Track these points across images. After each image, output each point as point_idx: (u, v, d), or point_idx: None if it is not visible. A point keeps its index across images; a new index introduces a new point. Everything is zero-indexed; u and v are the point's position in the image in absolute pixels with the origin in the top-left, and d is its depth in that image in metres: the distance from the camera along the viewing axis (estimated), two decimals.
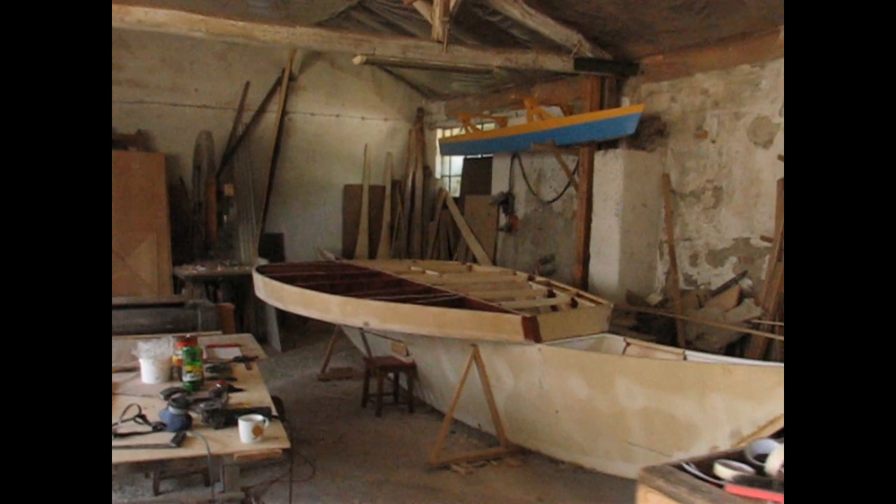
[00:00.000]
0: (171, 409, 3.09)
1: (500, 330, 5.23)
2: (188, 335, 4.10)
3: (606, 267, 7.79)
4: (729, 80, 7.15)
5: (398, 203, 11.84)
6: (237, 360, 4.43)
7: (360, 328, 6.18)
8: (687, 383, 4.34)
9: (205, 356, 4.00)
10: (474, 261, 10.17)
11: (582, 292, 6.40)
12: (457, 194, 11.52)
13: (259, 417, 3.02)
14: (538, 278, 7.05)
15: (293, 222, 11.24)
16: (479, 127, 10.26)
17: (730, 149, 7.16)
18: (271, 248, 10.72)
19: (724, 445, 4.21)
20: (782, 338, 6.20)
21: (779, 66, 6.66)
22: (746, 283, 6.98)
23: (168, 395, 3.54)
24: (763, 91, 6.85)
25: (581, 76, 8.11)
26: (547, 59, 7.47)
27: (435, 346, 6.12)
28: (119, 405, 3.51)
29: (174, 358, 3.98)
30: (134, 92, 10.03)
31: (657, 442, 4.62)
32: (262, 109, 10.82)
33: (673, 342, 6.85)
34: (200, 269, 8.86)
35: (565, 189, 9.04)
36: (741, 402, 4.10)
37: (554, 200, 9.26)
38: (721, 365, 4.28)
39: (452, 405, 5.64)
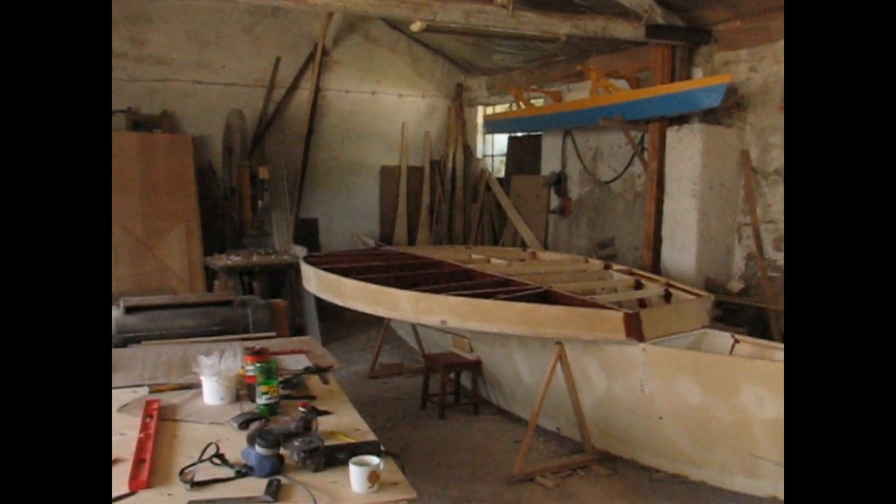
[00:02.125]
0: (259, 449, 2.46)
1: (597, 328, 4.61)
2: (257, 346, 3.48)
3: (681, 252, 7.13)
4: None
5: (438, 185, 11.17)
6: (309, 371, 3.80)
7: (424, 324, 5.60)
8: None
9: None
10: (523, 245, 9.54)
11: (673, 282, 5.77)
12: (501, 175, 10.85)
13: (374, 460, 2.40)
14: (617, 266, 6.40)
15: (328, 207, 10.59)
16: (532, 103, 9.53)
17: None
18: (306, 234, 10.09)
19: None
20: None
21: None
22: None
23: (243, 423, 2.92)
24: None
25: (648, 46, 7.43)
26: (617, 26, 6.79)
27: (507, 343, 5.52)
28: (185, 437, 2.89)
29: (241, 373, 3.36)
30: (157, 69, 9.38)
31: None
32: (293, 86, 10.15)
33: (764, 335, 6.20)
34: (235, 259, 8.25)
35: (626, 168, 8.37)
36: None
37: (613, 180, 8.60)
38: None
39: (536, 411, 5.02)
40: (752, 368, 4.09)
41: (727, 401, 4.18)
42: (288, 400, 3.30)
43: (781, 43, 6.74)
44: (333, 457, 2.52)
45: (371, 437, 2.86)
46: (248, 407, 3.21)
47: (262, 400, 3.10)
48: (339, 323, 9.37)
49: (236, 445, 2.73)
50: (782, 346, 4.72)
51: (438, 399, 6.23)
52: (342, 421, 3.09)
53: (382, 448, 2.65)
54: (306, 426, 2.75)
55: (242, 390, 3.37)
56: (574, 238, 9.29)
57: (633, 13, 6.90)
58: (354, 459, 2.39)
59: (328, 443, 2.65)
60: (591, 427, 5.16)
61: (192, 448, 2.73)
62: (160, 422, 3.01)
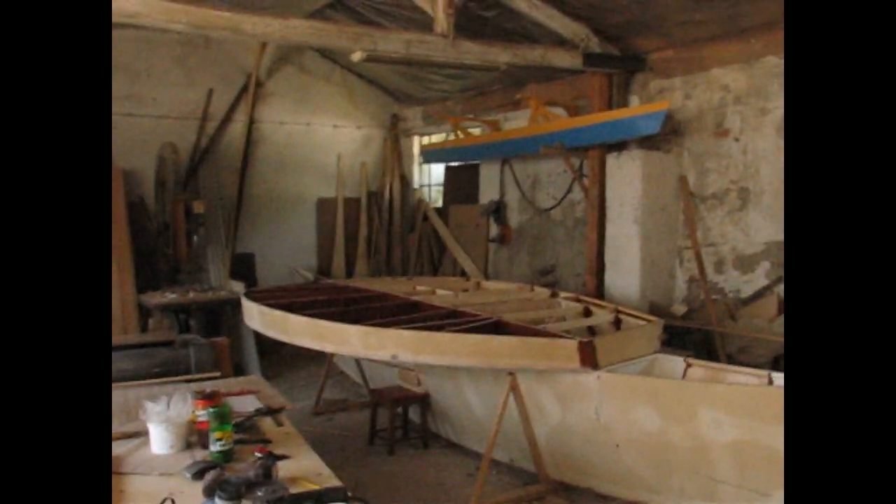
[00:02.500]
0: (220, 502, 2.31)
1: (552, 357, 4.56)
2: (208, 389, 3.30)
3: (625, 277, 7.18)
4: (752, 74, 6.63)
5: (375, 216, 11.07)
6: (261, 412, 3.63)
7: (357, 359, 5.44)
8: None
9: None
10: (463, 274, 9.49)
11: (622, 308, 5.77)
12: (439, 205, 10.81)
13: None
14: (564, 294, 6.39)
15: (264, 240, 10.35)
16: (469, 132, 9.54)
17: (756, 147, 6.63)
18: (243, 269, 9.83)
19: None
20: None
21: None
22: (782, 289, 6.44)
23: (198, 473, 2.75)
24: None
25: (585, 74, 7.53)
26: (555, 55, 6.86)
27: (457, 375, 5.42)
28: (133, 492, 2.70)
29: (192, 418, 3.18)
30: None
31: (751, 479, 4.01)
32: (227, 118, 9.94)
33: (710, 357, 6.26)
34: (170, 297, 7.97)
35: (565, 195, 8.42)
36: None
37: (553, 208, 8.64)
38: None
39: (491, 443, 4.92)
40: (708, 392, 4.09)
41: (685, 426, 4.17)
42: (242, 445, 3.13)
43: (714, 71, 6.92)
44: None
45: (335, 482, 2.73)
46: (199, 455, 3.03)
47: (216, 447, 2.93)
48: (278, 358, 9.12)
49: (192, 499, 2.56)
50: (735, 368, 4.76)
51: (387, 434, 6.08)
52: (302, 465, 2.94)
53: (349, 494, 2.53)
54: (266, 473, 2.60)
55: (192, 437, 3.19)
56: (515, 266, 9.29)
57: (569, 42, 6.99)
58: None
59: (292, 490, 2.50)
60: (546, 457, 5.09)
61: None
62: None
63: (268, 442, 3.19)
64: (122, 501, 2.62)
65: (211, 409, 2.97)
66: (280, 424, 3.49)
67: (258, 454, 2.86)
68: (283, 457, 2.97)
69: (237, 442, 3.12)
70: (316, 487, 2.62)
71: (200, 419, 3.10)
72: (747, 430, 3.92)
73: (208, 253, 9.20)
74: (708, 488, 4.20)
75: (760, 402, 3.89)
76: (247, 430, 3.36)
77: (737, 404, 3.95)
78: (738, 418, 3.94)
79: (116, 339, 5.46)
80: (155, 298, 7.94)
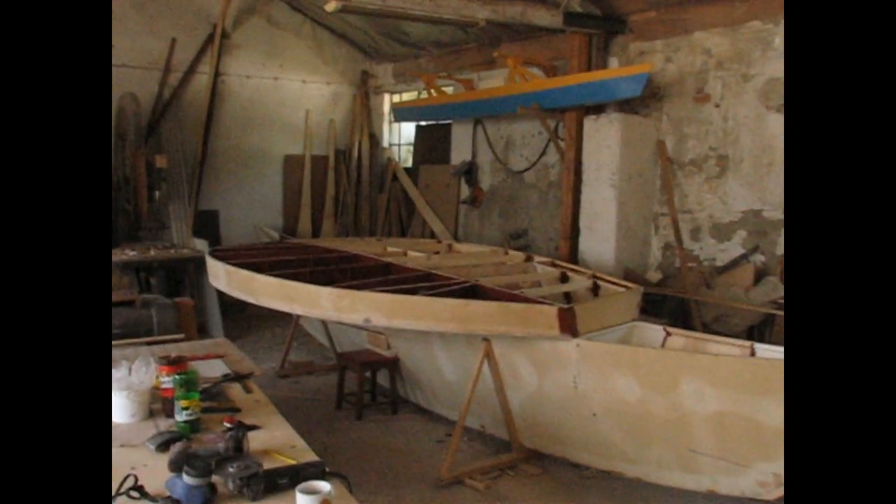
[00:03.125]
0: (187, 479, 2.13)
1: (530, 323, 4.43)
2: (173, 354, 3.10)
3: (600, 243, 7.06)
4: (735, 39, 6.49)
5: (343, 175, 10.79)
6: (229, 378, 3.45)
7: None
8: (782, 385, 3.64)
9: None
10: (433, 236, 9.31)
11: (599, 274, 5.65)
12: (409, 164, 10.56)
13: (324, 486, 2.10)
14: (539, 258, 6.24)
15: (229, 198, 10.04)
16: (444, 90, 9.27)
17: (737, 114, 6.52)
18: (206, 226, 9.53)
19: None
20: None
21: None
22: (759, 258, 6.37)
23: (162, 444, 2.56)
24: (777, 50, 6.21)
25: (563, 34, 7.32)
26: (535, 13, 6.63)
27: (428, 339, 5.27)
28: None
29: (156, 384, 2.98)
30: None
31: (732, 451, 3.94)
32: (191, 70, 9.54)
33: (686, 325, 6.19)
34: (130, 254, 7.68)
35: (540, 157, 8.25)
36: None
37: (526, 170, 8.47)
38: None
39: (464, 411, 4.81)
40: (692, 363, 3.98)
41: (665, 396, 4.07)
42: (209, 413, 2.95)
43: (696, 34, 6.76)
44: (274, 483, 2.21)
45: (311, 455, 2.56)
46: (163, 424, 2.84)
47: (182, 416, 2.73)
48: (242, 319, 8.91)
49: (156, 473, 2.38)
50: (715, 338, 4.67)
51: (355, 399, 5.94)
52: (274, 436, 2.77)
53: (327, 469, 2.36)
54: (237, 447, 2.42)
55: (156, 404, 2.99)
56: (486, 229, 9.13)
57: (550, 0, 6.77)
58: (301, 487, 2.09)
59: (266, 465, 2.33)
60: (519, 425, 5.00)
61: None
62: None
63: (237, 411, 3.01)
64: None
65: (177, 376, 2.78)
66: (249, 391, 3.31)
67: (227, 424, 2.68)
68: (253, 427, 2.80)
69: (204, 410, 2.93)
70: (291, 462, 2.45)
71: (165, 386, 2.90)
72: (730, 402, 3.84)
73: (170, 209, 8.88)
74: (687, 459, 4.13)
75: (745, 373, 3.80)
76: (214, 397, 3.17)
77: (721, 375, 3.85)
78: (722, 389, 3.85)
79: None
80: (115, 255, 7.64)
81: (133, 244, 8.10)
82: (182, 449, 2.40)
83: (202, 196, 9.63)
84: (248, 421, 2.87)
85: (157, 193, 8.30)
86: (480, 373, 4.77)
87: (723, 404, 3.87)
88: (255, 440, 2.66)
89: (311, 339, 8.02)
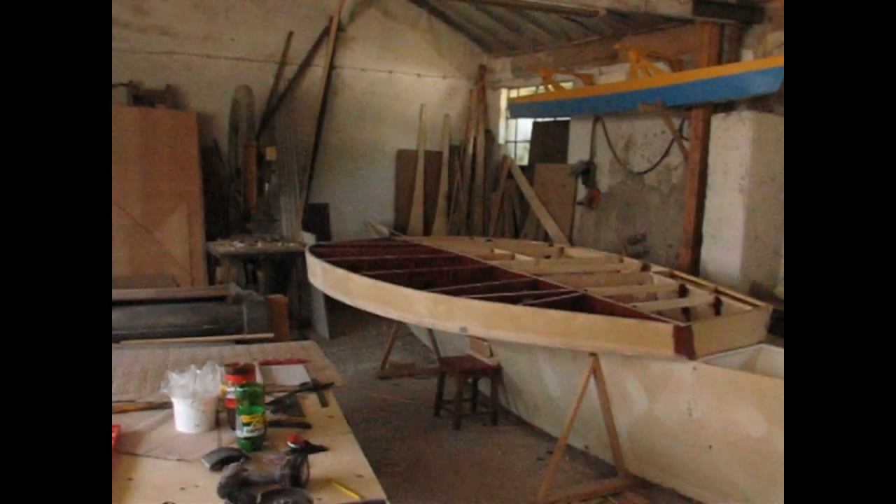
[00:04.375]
0: None
1: (642, 342, 4.01)
2: (241, 363, 2.88)
3: (725, 253, 6.48)
4: None
5: (457, 171, 10.53)
6: (306, 388, 3.21)
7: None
8: None
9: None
10: (546, 238, 8.91)
11: (722, 288, 5.12)
12: (524, 162, 10.19)
13: None
14: (656, 267, 5.76)
15: (340, 191, 9.96)
16: (562, 85, 8.84)
17: None
18: (316, 220, 9.49)
19: None
20: None
21: None
22: None
23: (217, 463, 2.33)
24: None
25: (690, 25, 6.78)
26: (661, 2, 6.13)
27: (532, 350, 4.92)
28: (143, 480, 2.30)
29: (223, 390, 2.77)
30: (162, 41, 8.77)
31: None
32: (306, 63, 9.51)
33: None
34: (238, 246, 7.68)
35: (662, 158, 7.71)
36: None
37: (647, 171, 7.94)
38: None
39: (566, 430, 4.43)
40: None
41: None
42: (277, 428, 2.71)
43: None
44: None
45: (377, 490, 2.25)
46: (227, 437, 2.62)
47: (243, 432, 2.50)
48: (348, 314, 8.77)
49: (206, 495, 2.15)
50: None
51: (454, 407, 5.65)
52: (341, 461, 2.49)
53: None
54: (294, 476, 2.16)
55: (223, 412, 2.78)
56: (602, 232, 8.65)
57: None
58: None
59: (322, 499, 2.05)
60: (626, 449, 4.58)
61: (148, 498, 2.15)
62: (116, 456, 2.43)
63: (307, 427, 2.76)
64: (126, 491, 2.22)
65: (240, 388, 2.55)
66: (325, 404, 3.06)
67: (291, 444, 2.43)
68: (320, 448, 2.54)
69: (273, 424, 2.70)
70: (352, 496, 2.16)
71: (230, 396, 2.68)
72: None
73: (280, 202, 8.87)
74: None
75: None
76: (286, 408, 2.94)
77: None
78: None
79: (166, 291, 5.14)
80: (223, 247, 7.67)
81: (242, 236, 8.12)
82: (234, 472, 2.16)
83: (313, 189, 9.59)
84: (318, 440, 2.61)
85: (266, 186, 8.28)
86: (586, 390, 4.38)
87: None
88: (319, 465, 2.40)
89: (415, 340, 7.81)
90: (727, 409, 3.86)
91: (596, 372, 4.37)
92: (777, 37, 6.58)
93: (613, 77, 8.20)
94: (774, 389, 3.67)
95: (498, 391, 5.68)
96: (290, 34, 9.35)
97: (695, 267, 6.75)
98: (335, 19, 9.43)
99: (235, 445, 2.51)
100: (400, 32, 10.13)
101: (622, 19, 7.60)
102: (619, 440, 4.54)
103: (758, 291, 6.21)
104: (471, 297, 4.39)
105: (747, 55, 6.73)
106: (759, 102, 6.43)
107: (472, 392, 5.96)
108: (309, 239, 8.01)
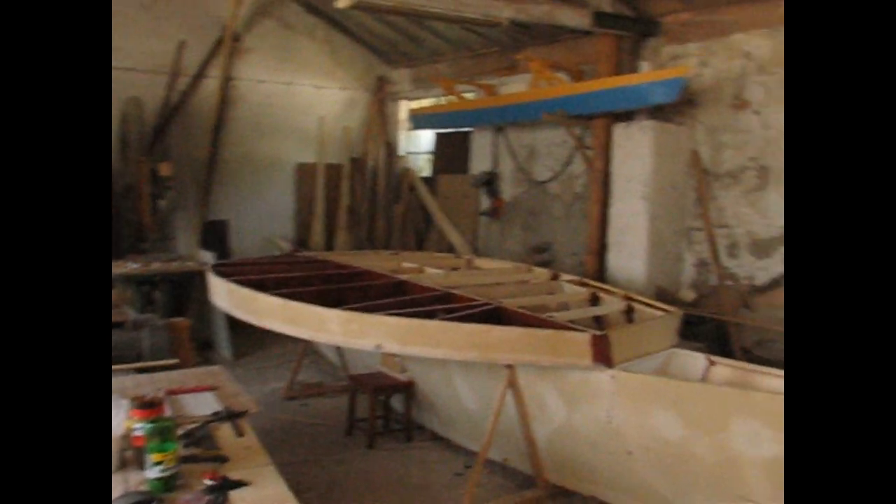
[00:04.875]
0: None
1: (560, 352, 3.98)
2: (148, 396, 2.66)
3: (629, 259, 6.60)
4: (779, 41, 6.02)
5: (358, 184, 10.38)
6: (219, 417, 3.01)
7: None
8: None
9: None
10: (450, 250, 8.88)
11: (633, 295, 5.18)
12: (427, 174, 10.13)
13: None
14: (566, 276, 5.78)
15: (239, 207, 9.63)
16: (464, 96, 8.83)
17: (779, 121, 6.05)
18: (215, 238, 9.14)
19: None
20: None
21: None
22: None
23: None
24: None
25: (590, 37, 6.90)
26: (563, 13, 6.21)
27: (445, 363, 4.83)
28: None
29: (127, 428, 2.55)
30: None
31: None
32: (200, 74, 9.16)
33: (724, 349, 5.72)
34: (132, 267, 7.29)
35: (565, 167, 7.81)
36: None
37: (550, 181, 8.02)
38: None
39: (486, 444, 4.36)
40: (745, 401, 3.52)
41: (713, 437, 3.61)
42: (191, 463, 2.52)
43: (735, 37, 6.31)
44: None
45: None
46: (135, 478, 2.41)
47: (153, 472, 2.30)
48: (251, 333, 8.46)
49: None
50: (764, 369, 4.20)
51: (367, 425, 5.50)
52: (264, 495, 2.33)
53: None
54: None
55: (129, 451, 2.57)
56: (506, 242, 8.69)
57: (578, 0, 6.35)
58: None
59: None
60: (546, 460, 4.54)
61: None
62: None
63: (223, 460, 2.58)
64: None
65: (149, 425, 2.35)
66: (241, 434, 2.88)
67: (207, 481, 2.26)
68: (239, 483, 2.37)
69: (186, 459, 2.51)
70: None
71: (137, 433, 2.47)
72: None
73: (176, 220, 8.50)
74: None
75: None
76: (198, 441, 2.74)
77: (777, 416, 3.38)
78: (779, 432, 3.38)
79: None
80: (116, 268, 7.26)
81: (136, 256, 7.72)
82: None
83: (211, 206, 9.25)
84: (236, 474, 2.44)
85: (160, 203, 7.91)
86: (503, 402, 4.33)
87: (782, 448, 3.40)
88: (240, 502, 2.23)
89: (322, 359, 7.61)
90: (645, 414, 3.88)
91: (513, 384, 4.32)
92: (672, 49, 6.78)
93: (514, 87, 8.25)
94: (690, 393, 3.71)
95: (411, 407, 5.57)
96: (182, 43, 8.99)
97: (600, 274, 6.85)
98: (229, 29, 9.13)
99: (145, 487, 2.31)
100: (297, 43, 9.92)
101: (523, 30, 7.66)
102: (538, 451, 4.50)
103: (663, 295, 6.34)
104: (384, 313, 4.27)
105: (644, 67, 6.90)
106: (658, 112, 6.59)
107: (385, 409, 5.83)
108: (208, 257, 7.69)
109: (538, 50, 7.88)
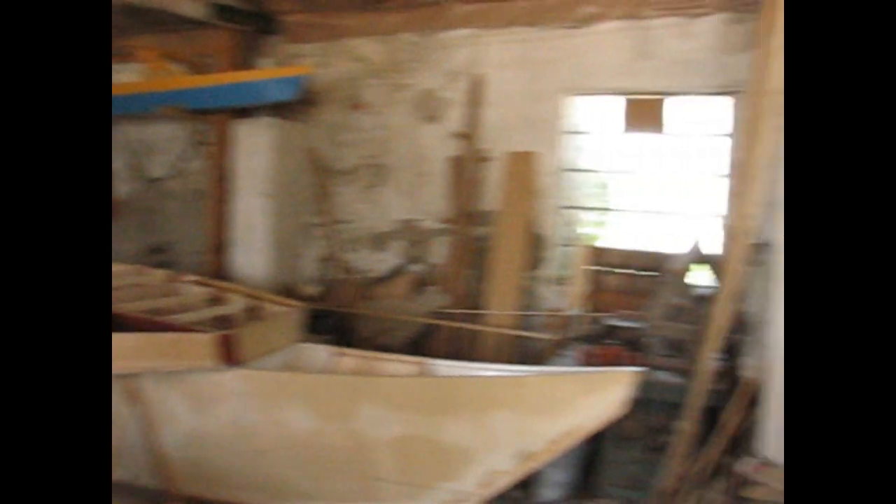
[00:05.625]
0: None
1: (184, 355, 3.82)
2: None
3: (253, 256, 6.54)
4: (391, 49, 6.45)
5: None
6: None
7: None
8: (463, 402, 3.53)
9: None
10: None
11: (255, 292, 5.12)
12: None
13: None
14: (186, 277, 5.50)
15: None
16: None
17: (393, 123, 6.47)
18: None
19: (506, 467, 3.51)
20: (474, 327, 5.72)
21: (444, 37, 6.16)
22: (416, 268, 6.37)
23: None
24: (429, 63, 6.27)
25: (210, 29, 6.69)
26: (179, 2, 5.92)
27: None
28: None
29: None
30: None
31: (414, 474, 3.72)
32: None
33: (350, 340, 5.94)
34: None
35: (182, 164, 7.47)
36: (530, 418, 3.41)
37: (166, 177, 7.62)
38: (510, 378, 3.53)
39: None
40: (369, 387, 3.69)
41: (342, 425, 3.73)
42: None
43: (353, 42, 6.58)
44: None
45: None
46: None
47: None
48: None
49: None
50: (386, 356, 4.44)
51: None
52: None
53: None
54: None
55: None
56: (121, 243, 8.06)
57: None
58: None
59: None
60: (178, 471, 4.30)
61: None
62: None
63: None
64: None
65: None
66: None
67: None
68: None
69: None
70: None
71: None
72: (410, 425, 3.62)
73: None
74: (372, 489, 3.83)
75: (423, 393, 3.61)
76: None
77: (399, 398, 3.61)
78: (401, 412, 3.61)
79: None
80: None
81: None
82: None
83: None
84: None
85: None
86: (124, 418, 4.02)
87: (404, 428, 3.63)
88: None
89: None
90: (276, 410, 3.88)
91: (134, 395, 4.03)
92: (292, 48, 6.85)
93: (125, 77, 7.68)
94: (318, 385, 3.80)
95: None
96: None
97: (224, 273, 6.68)
98: None
99: None
100: None
101: (133, 15, 7.15)
102: (168, 463, 4.25)
103: (287, 291, 6.39)
104: None
105: (264, 63, 6.88)
106: (278, 109, 6.61)
107: None
108: None
109: (149, 38, 7.42)
